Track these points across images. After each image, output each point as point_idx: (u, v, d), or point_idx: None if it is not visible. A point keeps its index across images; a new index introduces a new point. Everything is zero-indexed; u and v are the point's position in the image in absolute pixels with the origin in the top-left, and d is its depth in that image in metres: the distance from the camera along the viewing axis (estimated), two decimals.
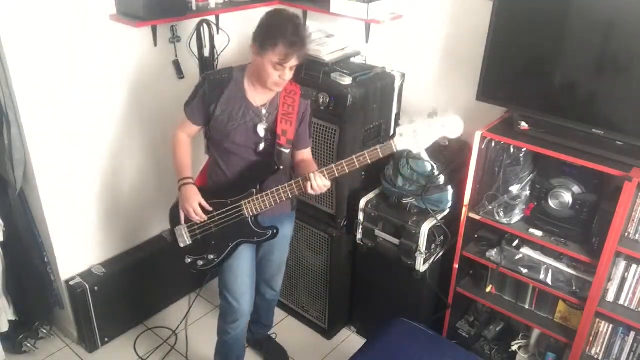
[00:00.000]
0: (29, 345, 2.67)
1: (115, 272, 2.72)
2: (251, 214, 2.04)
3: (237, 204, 2.04)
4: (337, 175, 1.91)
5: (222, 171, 2.12)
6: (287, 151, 2.07)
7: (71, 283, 2.61)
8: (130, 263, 2.79)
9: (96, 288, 2.63)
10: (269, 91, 2.03)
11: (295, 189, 1.96)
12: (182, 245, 2.16)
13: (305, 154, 2.19)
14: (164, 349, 2.77)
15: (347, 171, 1.90)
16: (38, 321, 2.71)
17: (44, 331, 2.73)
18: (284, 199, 2.00)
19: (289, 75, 1.93)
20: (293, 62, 1.89)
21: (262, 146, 2.06)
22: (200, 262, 2.15)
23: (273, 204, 2.01)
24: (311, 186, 1.89)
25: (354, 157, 1.88)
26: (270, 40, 1.85)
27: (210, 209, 2.06)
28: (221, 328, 2.36)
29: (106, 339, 2.78)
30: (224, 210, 2.06)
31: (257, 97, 2.04)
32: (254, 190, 2.03)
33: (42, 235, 2.55)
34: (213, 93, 2.02)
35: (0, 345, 2.50)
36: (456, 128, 1.80)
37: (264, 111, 2.04)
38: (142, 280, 2.83)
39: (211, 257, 2.13)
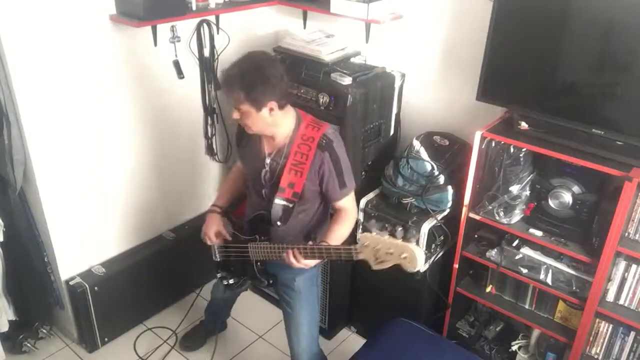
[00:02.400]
0: (29, 345, 2.67)
1: (115, 272, 2.72)
2: (254, 259, 2.05)
3: (245, 245, 2.06)
4: (309, 256, 1.86)
5: (249, 206, 2.16)
6: (290, 205, 1.93)
7: (71, 283, 2.61)
8: (130, 263, 2.79)
9: (96, 288, 2.63)
10: (276, 139, 1.96)
11: (278, 253, 1.93)
12: (214, 259, 2.24)
13: (338, 205, 2.00)
14: (164, 349, 2.77)
15: (316, 259, 1.89)
16: (38, 321, 2.71)
17: (44, 331, 2.73)
18: (274, 259, 1.96)
19: (234, 113, 1.86)
20: (235, 100, 1.81)
21: (264, 192, 2.03)
22: (225, 282, 2.24)
23: (269, 258, 1.99)
24: (289, 261, 1.87)
25: (322, 246, 1.83)
26: None
27: (229, 238, 2.13)
28: None
29: (106, 339, 2.78)
30: (237, 244, 2.11)
31: (267, 144, 2.00)
32: (257, 237, 2.02)
33: (42, 235, 2.55)
34: (240, 137, 2.10)
35: (0, 345, 2.50)
36: (413, 261, 1.65)
37: (267, 160, 1.99)
38: (142, 280, 2.83)
39: (231, 280, 2.21)
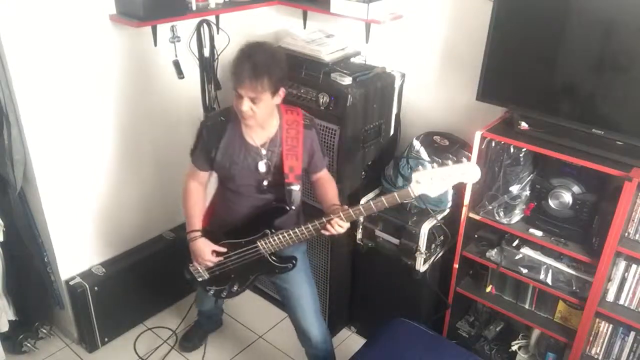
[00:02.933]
0: (29, 345, 2.67)
1: (115, 272, 2.72)
2: (269, 252, 2.06)
3: (253, 244, 2.05)
4: (354, 218, 1.93)
5: (235, 209, 2.11)
6: (297, 188, 2.00)
7: (71, 283, 2.61)
8: (130, 263, 2.79)
9: (96, 288, 2.63)
10: (266, 129, 1.98)
11: (314, 231, 1.95)
12: (200, 280, 2.21)
13: (322, 172, 2.16)
14: (163, 349, 2.77)
15: (365, 214, 1.94)
16: (38, 321, 2.71)
17: (44, 331, 2.73)
18: (302, 239, 1.99)
19: (245, 105, 1.83)
20: (248, 92, 1.81)
21: (265, 183, 2.03)
22: (224, 293, 2.22)
23: (291, 243, 2.01)
24: (331, 230, 1.91)
25: (371, 202, 1.89)
26: (232, 68, 1.84)
27: (224, 250, 2.11)
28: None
29: (106, 339, 2.78)
30: (239, 250, 2.09)
31: (256, 136, 1.99)
32: (268, 232, 2.03)
33: (42, 235, 2.55)
34: (212, 140, 2.01)
35: (0, 345, 2.50)
36: (474, 175, 1.82)
37: (263, 151, 1.99)
38: (142, 280, 2.83)
39: (235, 288, 2.20)
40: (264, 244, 2.04)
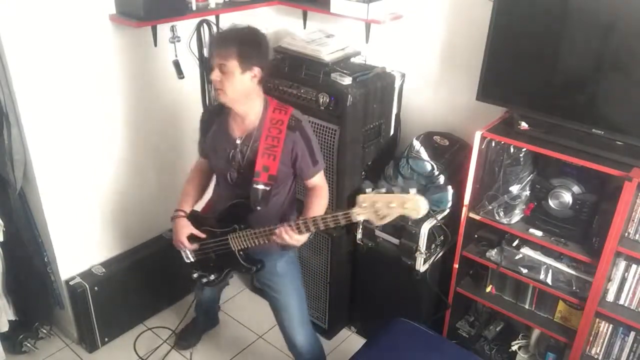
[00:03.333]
0: (29, 345, 2.67)
1: (115, 272, 2.72)
2: (237, 248, 2.04)
3: (224, 237, 2.05)
4: (303, 231, 1.85)
5: (218, 197, 2.16)
6: (267, 188, 1.95)
7: (71, 283, 2.61)
8: (130, 263, 2.79)
9: (96, 288, 2.63)
10: (244, 119, 1.98)
11: (265, 235, 1.93)
12: (187, 261, 2.22)
13: (312, 182, 2.06)
14: (163, 349, 2.77)
15: (312, 230, 1.85)
16: (38, 321, 2.71)
17: (44, 331, 2.72)
18: (261, 243, 1.96)
19: (215, 74, 1.84)
20: (217, 59, 1.83)
21: (230, 176, 2.02)
22: (204, 280, 2.21)
23: (255, 243, 1.98)
24: (281, 239, 1.87)
25: (318, 217, 1.82)
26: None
27: (202, 236, 2.10)
28: None
29: (106, 339, 2.78)
30: (214, 239, 2.09)
31: (236, 129, 2.00)
32: (237, 227, 2.02)
33: (42, 235, 2.55)
34: (204, 127, 2.11)
35: (0, 345, 2.50)
36: (419, 209, 1.65)
37: (238, 142, 1.99)
38: (142, 280, 2.83)
39: (212, 277, 2.19)
40: (232, 238, 2.03)
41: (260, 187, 1.95)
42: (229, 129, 2.02)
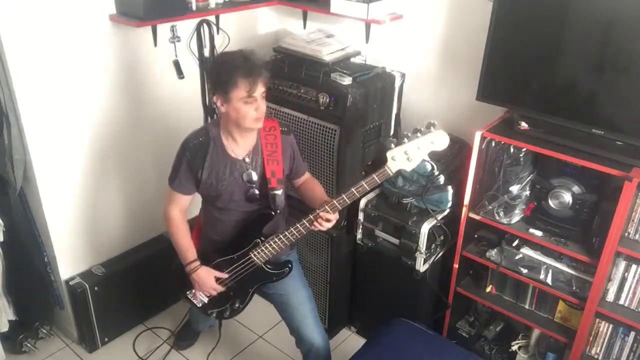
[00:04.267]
0: (29, 345, 2.67)
1: (115, 272, 2.72)
2: (263, 261, 2.06)
3: (246, 257, 2.05)
4: (340, 208, 1.91)
5: (223, 227, 2.10)
6: (280, 192, 2.03)
7: (71, 283, 2.61)
8: (130, 263, 2.79)
9: (96, 288, 2.63)
10: (247, 139, 1.98)
11: (303, 230, 1.95)
12: (199, 305, 2.20)
13: (305, 176, 2.21)
14: (163, 349, 2.77)
15: (349, 202, 1.91)
16: (38, 321, 2.71)
17: (44, 331, 2.73)
18: (293, 240, 2.00)
19: (263, 104, 1.87)
20: (260, 88, 1.84)
21: (257, 192, 2.03)
22: (227, 313, 2.21)
23: (282, 247, 2.01)
24: (320, 225, 1.92)
25: (353, 189, 1.88)
26: (230, 79, 1.80)
27: (225, 276, 2.09)
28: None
29: (106, 339, 2.78)
30: (234, 266, 2.08)
31: (238, 150, 2.00)
32: (259, 241, 2.03)
33: (42, 235, 2.55)
34: (196, 159, 1.98)
35: (0, 345, 2.50)
36: (443, 141, 1.83)
37: (247, 160, 2.00)
38: (142, 280, 2.83)
39: (237, 305, 2.20)
40: (256, 253, 2.04)
41: (278, 192, 2.01)
42: (227, 152, 1.99)
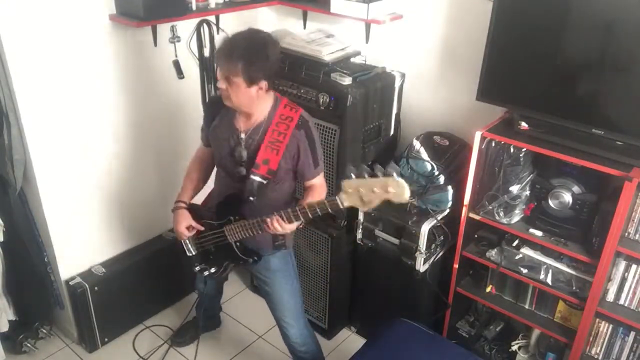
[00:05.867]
0: (29, 345, 2.67)
1: (115, 272, 2.72)
2: (233, 240, 2.06)
3: (220, 229, 2.07)
4: (293, 220, 1.87)
5: (219, 190, 2.15)
6: (265, 182, 1.97)
7: (71, 283, 2.61)
8: (130, 263, 2.79)
9: (96, 288, 2.63)
10: (243, 115, 1.98)
11: (257, 225, 1.95)
12: (188, 254, 2.24)
13: (311, 182, 2.06)
14: (163, 349, 2.77)
15: (302, 219, 1.87)
16: (38, 321, 2.71)
17: (44, 331, 2.73)
18: (252, 233, 1.98)
19: (220, 83, 1.85)
20: (220, 72, 1.83)
21: (241, 170, 2.01)
22: (206, 272, 2.23)
23: (249, 234, 2.00)
24: (272, 229, 1.90)
25: (304, 206, 1.84)
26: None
27: (201, 228, 2.13)
28: None
29: (106, 339, 2.78)
30: (212, 232, 2.11)
31: (242, 123, 2.00)
32: (232, 218, 2.03)
33: (42, 235, 2.55)
34: (209, 114, 2.10)
35: (0, 345, 2.50)
36: (401, 193, 1.63)
37: (242, 135, 1.99)
38: (142, 280, 2.83)
39: (213, 270, 2.21)
40: (227, 230, 2.05)
41: (257, 178, 1.96)
42: (234, 121, 2.01)
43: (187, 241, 2.20)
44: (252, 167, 1.95)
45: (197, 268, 2.25)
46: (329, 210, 1.79)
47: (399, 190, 1.62)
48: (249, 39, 1.83)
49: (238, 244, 2.07)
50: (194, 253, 2.22)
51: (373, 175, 1.65)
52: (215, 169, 2.22)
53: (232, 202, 2.05)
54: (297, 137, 1.95)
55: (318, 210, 1.82)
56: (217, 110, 2.05)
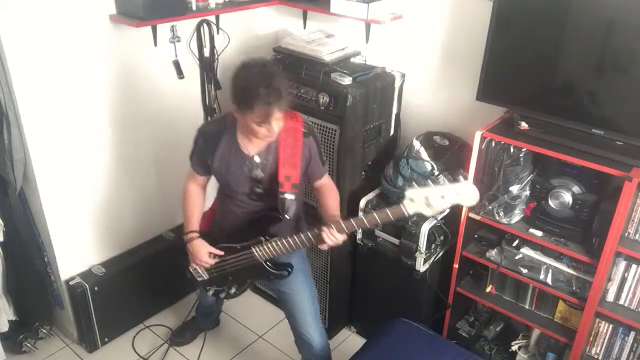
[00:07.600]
0: (29, 345, 2.67)
1: (115, 272, 2.72)
2: (263, 259, 2.06)
3: (248, 250, 2.05)
4: (347, 232, 1.90)
5: (232, 217, 2.12)
6: (292, 197, 1.98)
7: (71, 283, 2.61)
8: (130, 263, 2.79)
9: (96, 288, 2.63)
10: (259, 140, 1.97)
11: (306, 242, 1.95)
12: (199, 279, 2.22)
13: (321, 182, 2.12)
14: (163, 349, 2.77)
15: (357, 229, 1.93)
16: (38, 321, 2.71)
17: (44, 331, 2.73)
18: (294, 248, 1.98)
19: (276, 126, 1.83)
20: (276, 115, 1.79)
21: (258, 191, 2.02)
22: (223, 294, 2.23)
23: (284, 251, 2.00)
24: (323, 245, 1.90)
25: (363, 218, 1.90)
26: (246, 104, 1.76)
27: (221, 253, 2.11)
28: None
29: (106, 339, 2.78)
30: (236, 255, 2.09)
31: (250, 147, 1.97)
32: (263, 239, 2.02)
33: (42, 235, 2.55)
34: (208, 147, 2.01)
35: (0, 345, 2.50)
36: (471, 197, 1.75)
37: (257, 159, 1.98)
38: (142, 280, 2.83)
39: (233, 290, 2.20)
40: (258, 250, 2.04)
41: (288, 196, 1.97)
42: (240, 146, 1.98)
43: (197, 268, 2.18)
44: (279, 187, 1.96)
45: (212, 291, 2.23)
46: (392, 219, 1.83)
47: (469, 194, 1.74)
48: (275, 78, 1.79)
49: (269, 262, 2.07)
50: (205, 278, 2.20)
51: (437, 183, 1.76)
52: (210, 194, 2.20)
53: (260, 222, 2.05)
54: (308, 144, 1.99)
55: (381, 220, 1.85)
56: (216, 141, 1.99)
